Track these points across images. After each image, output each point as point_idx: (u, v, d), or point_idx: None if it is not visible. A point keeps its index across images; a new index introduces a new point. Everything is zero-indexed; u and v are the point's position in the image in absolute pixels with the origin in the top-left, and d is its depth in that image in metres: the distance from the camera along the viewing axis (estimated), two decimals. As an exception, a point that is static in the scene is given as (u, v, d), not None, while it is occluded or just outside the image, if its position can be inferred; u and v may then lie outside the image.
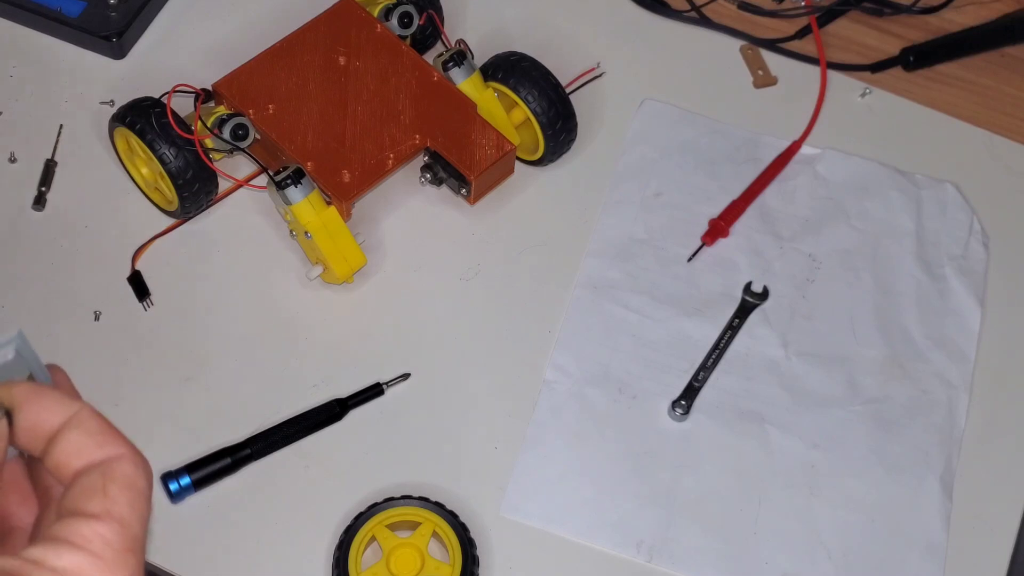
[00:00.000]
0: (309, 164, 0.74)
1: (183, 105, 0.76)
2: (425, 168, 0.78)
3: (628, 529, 0.69)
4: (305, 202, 0.73)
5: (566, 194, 0.81)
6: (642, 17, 0.90)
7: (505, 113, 0.79)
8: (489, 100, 0.79)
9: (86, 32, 0.85)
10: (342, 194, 0.74)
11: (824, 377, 0.75)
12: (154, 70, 0.85)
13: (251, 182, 0.79)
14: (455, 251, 0.79)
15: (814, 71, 0.88)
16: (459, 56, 0.79)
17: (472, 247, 0.79)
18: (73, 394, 0.41)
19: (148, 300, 0.75)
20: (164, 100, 0.74)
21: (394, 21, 0.80)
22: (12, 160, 0.80)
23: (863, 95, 0.88)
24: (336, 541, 0.66)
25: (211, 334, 0.75)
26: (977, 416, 0.75)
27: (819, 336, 0.77)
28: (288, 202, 0.73)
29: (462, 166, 0.76)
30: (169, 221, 0.78)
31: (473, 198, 0.78)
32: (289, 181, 0.72)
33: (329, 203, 0.74)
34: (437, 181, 0.79)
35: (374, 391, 0.72)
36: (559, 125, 0.78)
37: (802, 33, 0.90)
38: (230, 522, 0.68)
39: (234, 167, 0.79)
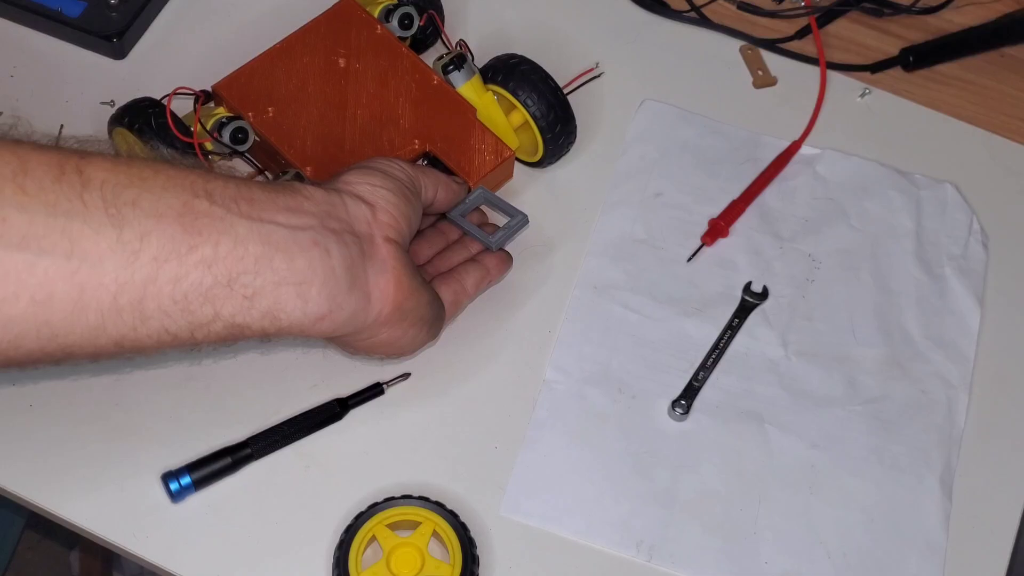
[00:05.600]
0: (308, 168, 0.74)
1: (183, 105, 0.76)
2: (424, 170, 0.78)
3: (628, 529, 0.69)
4: (305, 203, 0.73)
5: (566, 195, 0.81)
6: (642, 17, 0.91)
7: (504, 116, 0.79)
8: (489, 103, 0.79)
9: (86, 32, 0.84)
10: (342, 195, 0.74)
11: (824, 377, 0.75)
12: (154, 71, 0.85)
13: (251, 183, 0.79)
14: (455, 251, 0.78)
15: (814, 71, 0.88)
16: (459, 59, 0.78)
17: (472, 247, 0.79)
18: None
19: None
20: (164, 102, 0.74)
21: (394, 22, 0.80)
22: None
23: (863, 95, 0.88)
24: (336, 541, 0.67)
25: (211, 334, 0.75)
26: (976, 416, 0.75)
27: (819, 336, 0.77)
28: (288, 203, 0.72)
29: (460, 172, 0.75)
30: (169, 221, 0.78)
31: (471, 202, 0.78)
32: (289, 182, 0.72)
33: (329, 203, 0.74)
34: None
35: (374, 391, 0.72)
36: (558, 128, 0.78)
37: (802, 33, 0.90)
38: (230, 522, 0.68)
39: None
